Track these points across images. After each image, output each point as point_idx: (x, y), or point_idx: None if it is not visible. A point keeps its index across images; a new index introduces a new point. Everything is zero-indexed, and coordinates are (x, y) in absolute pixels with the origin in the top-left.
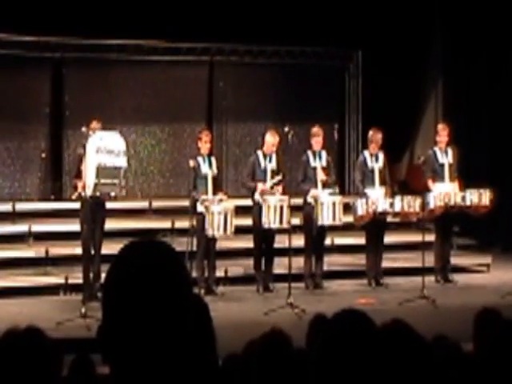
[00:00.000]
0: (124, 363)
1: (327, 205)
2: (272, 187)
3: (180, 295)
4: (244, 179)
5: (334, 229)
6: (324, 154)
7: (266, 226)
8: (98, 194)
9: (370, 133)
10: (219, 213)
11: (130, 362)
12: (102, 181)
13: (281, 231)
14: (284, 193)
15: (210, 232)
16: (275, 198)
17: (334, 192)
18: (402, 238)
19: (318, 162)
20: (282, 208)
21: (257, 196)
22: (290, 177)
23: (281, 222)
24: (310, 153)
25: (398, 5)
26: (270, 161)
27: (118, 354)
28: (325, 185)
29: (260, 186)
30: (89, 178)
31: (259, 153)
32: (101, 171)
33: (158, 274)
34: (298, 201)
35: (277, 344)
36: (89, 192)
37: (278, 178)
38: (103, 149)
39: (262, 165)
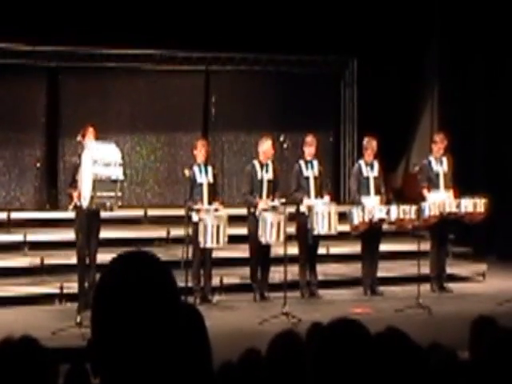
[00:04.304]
0: (114, 375)
1: (322, 214)
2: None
3: (168, 305)
4: (245, 194)
5: (329, 238)
6: (316, 163)
7: (262, 241)
8: (94, 206)
9: (365, 140)
10: (212, 225)
11: (121, 374)
12: (99, 193)
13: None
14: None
15: (201, 243)
16: (272, 214)
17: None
18: (398, 247)
19: (311, 172)
20: (279, 224)
21: (257, 212)
22: (286, 186)
23: (278, 237)
24: (302, 162)
25: (393, 12)
26: (267, 171)
27: (107, 366)
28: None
29: (261, 205)
30: (85, 189)
31: (255, 162)
32: (97, 184)
33: (145, 284)
34: (292, 210)
35: (292, 345)
36: (85, 204)
37: (281, 201)
38: (100, 161)
39: (259, 175)
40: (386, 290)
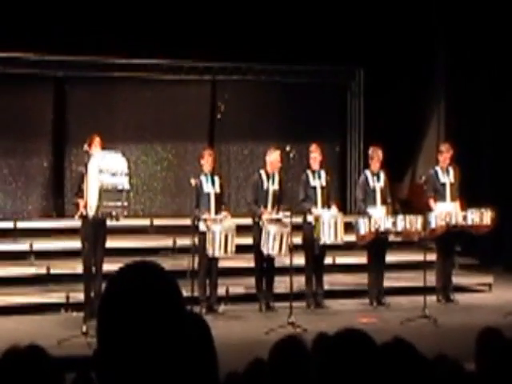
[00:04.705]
0: None
1: (328, 223)
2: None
3: (174, 315)
4: (250, 203)
5: (335, 248)
6: (323, 173)
7: (264, 251)
8: (100, 214)
9: (371, 149)
10: (220, 232)
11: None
12: (105, 202)
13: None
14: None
15: (210, 252)
16: (275, 226)
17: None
18: (404, 258)
19: (318, 182)
20: (281, 237)
21: (261, 223)
22: (292, 196)
23: (280, 250)
24: (309, 172)
25: (400, 22)
26: (273, 182)
27: (113, 376)
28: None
29: (265, 216)
30: (91, 198)
31: (262, 172)
32: (103, 193)
33: (151, 294)
34: (299, 220)
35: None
36: (91, 212)
37: (286, 214)
38: (106, 170)
39: (265, 186)
40: (392, 300)
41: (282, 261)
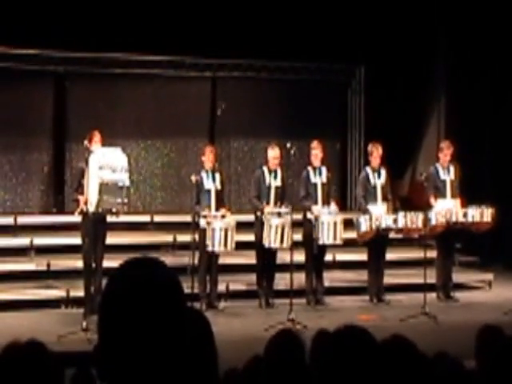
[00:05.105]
0: (120, 380)
1: (328, 224)
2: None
3: (175, 311)
4: (252, 198)
5: (335, 245)
6: (324, 170)
7: (266, 244)
8: (100, 210)
9: (370, 145)
10: (220, 228)
11: (127, 379)
12: (105, 199)
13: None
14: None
15: (210, 247)
16: (277, 218)
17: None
18: (404, 255)
19: (319, 178)
20: (283, 229)
21: (263, 217)
22: (292, 192)
23: (281, 241)
24: (310, 169)
25: (401, 21)
26: (276, 177)
27: (114, 371)
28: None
29: (267, 209)
30: (91, 194)
31: (264, 168)
32: (104, 189)
33: (152, 290)
34: (300, 217)
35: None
36: (91, 208)
37: (288, 209)
38: (106, 166)
39: (267, 181)
40: (392, 298)
41: (283, 257)
